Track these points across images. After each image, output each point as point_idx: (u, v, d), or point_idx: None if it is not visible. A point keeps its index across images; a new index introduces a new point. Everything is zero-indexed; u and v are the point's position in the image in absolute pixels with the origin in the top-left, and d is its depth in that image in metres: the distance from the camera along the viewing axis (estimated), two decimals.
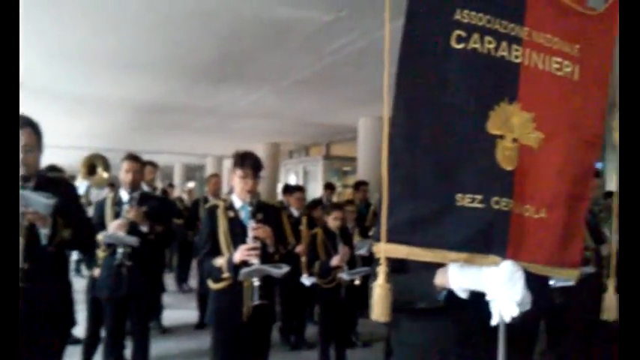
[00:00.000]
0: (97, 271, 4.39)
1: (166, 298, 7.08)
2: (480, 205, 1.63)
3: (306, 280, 5.01)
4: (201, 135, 13.52)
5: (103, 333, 4.51)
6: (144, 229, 4.13)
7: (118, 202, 4.20)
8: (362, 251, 5.40)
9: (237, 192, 3.32)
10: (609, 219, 4.18)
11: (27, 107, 2.71)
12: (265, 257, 3.12)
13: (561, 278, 2.15)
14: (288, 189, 7.27)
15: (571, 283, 2.61)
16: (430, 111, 1.62)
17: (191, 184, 13.43)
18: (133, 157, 4.37)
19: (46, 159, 3.10)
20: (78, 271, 9.36)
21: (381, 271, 1.58)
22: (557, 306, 3.38)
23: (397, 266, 1.93)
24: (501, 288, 1.65)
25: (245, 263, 3.05)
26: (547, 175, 1.74)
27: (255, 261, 3.04)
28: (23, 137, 2.48)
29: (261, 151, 14.05)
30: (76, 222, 2.70)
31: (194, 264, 8.09)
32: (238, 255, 3.06)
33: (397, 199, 1.61)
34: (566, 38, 1.77)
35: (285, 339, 6.18)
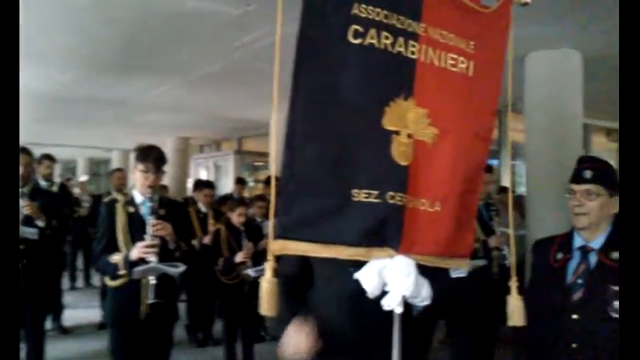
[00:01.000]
0: None
1: (69, 297, 6.74)
2: (376, 200, 1.65)
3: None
4: (106, 128, 12.91)
5: None
6: (40, 223, 3.98)
7: None
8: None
9: (138, 187, 3.20)
10: (501, 213, 4.41)
11: None
12: (165, 254, 3.03)
13: (457, 270, 2.25)
14: (198, 185, 7.13)
15: (464, 274, 2.74)
16: (327, 106, 1.60)
17: (84, 178, 12.76)
18: (22, 150, 4.13)
19: None
20: None
21: (269, 267, 1.58)
22: (454, 297, 3.51)
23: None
24: (395, 280, 1.70)
25: (143, 260, 2.95)
26: (441, 169, 1.78)
27: (152, 258, 2.94)
28: None
29: (170, 145, 13.65)
30: None
31: None
32: (135, 252, 2.94)
33: (294, 195, 1.59)
34: (461, 35, 1.81)
35: (192, 336, 6.06)
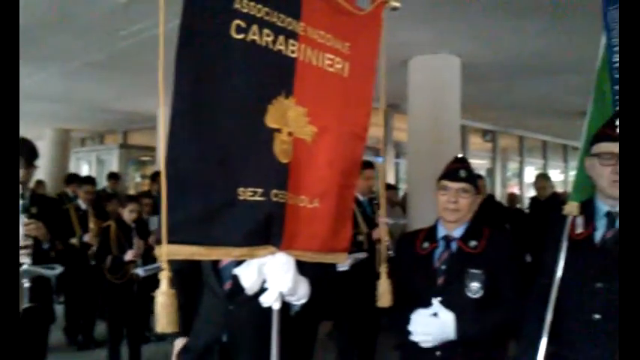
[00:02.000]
0: None
1: None
2: (261, 199, 1.65)
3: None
4: None
5: None
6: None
7: None
8: None
9: None
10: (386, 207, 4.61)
11: None
12: (39, 255, 2.86)
13: (339, 264, 2.32)
14: (74, 179, 6.73)
15: (346, 267, 2.83)
16: (210, 103, 1.57)
17: None
18: None
19: None
20: None
21: (164, 276, 1.42)
22: (339, 289, 3.61)
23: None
24: (274, 277, 1.74)
25: None
26: (319, 166, 1.83)
27: (26, 260, 2.76)
28: None
29: (48, 137, 12.81)
30: None
31: None
32: None
33: (178, 196, 1.51)
34: (338, 36, 1.85)
35: (72, 339, 5.76)
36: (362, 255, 4.08)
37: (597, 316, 1.87)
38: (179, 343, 2.17)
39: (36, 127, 11.58)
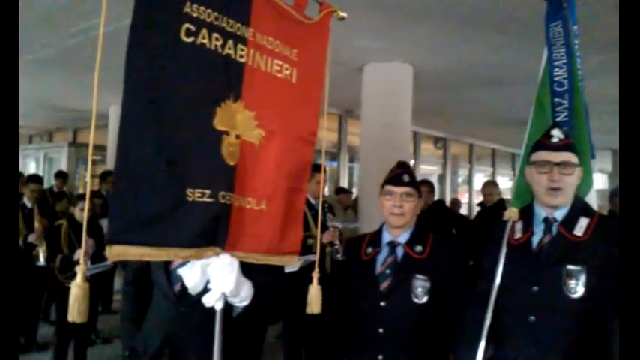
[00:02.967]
0: None
1: None
2: (209, 200, 1.67)
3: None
4: None
5: None
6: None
7: None
8: None
9: None
10: (337, 212, 4.67)
11: None
12: None
13: (288, 266, 2.34)
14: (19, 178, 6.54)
15: (295, 268, 2.85)
16: (159, 104, 1.58)
17: None
18: None
19: None
20: None
21: (80, 270, 1.48)
22: (288, 291, 3.63)
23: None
24: (217, 277, 1.75)
25: None
26: (267, 169, 1.85)
27: None
28: None
29: None
30: None
31: None
32: None
33: (128, 196, 1.53)
34: (286, 42, 1.90)
35: None
36: (313, 257, 4.10)
37: (532, 318, 1.96)
38: None
39: None
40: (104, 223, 5.22)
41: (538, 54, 2.60)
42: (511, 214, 2.17)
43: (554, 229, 2.02)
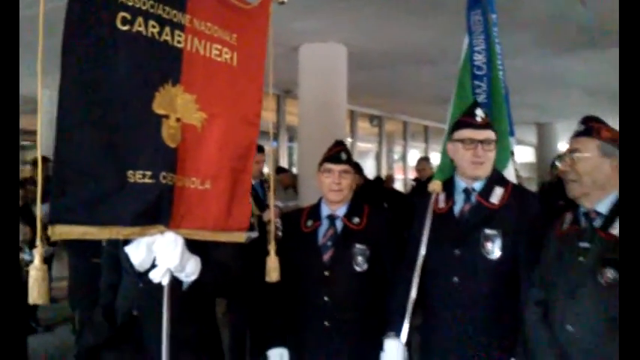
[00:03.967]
0: None
1: None
2: (150, 181, 1.73)
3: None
4: None
5: None
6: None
7: None
8: None
9: None
10: (278, 191, 4.78)
11: None
12: None
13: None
14: None
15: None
16: (97, 91, 1.63)
17: None
18: None
19: None
20: None
21: (38, 252, 1.53)
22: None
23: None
24: (162, 254, 1.82)
25: None
26: (210, 150, 1.93)
27: None
28: None
29: None
30: None
31: None
32: None
33: (69, 179, 1.59)
34: (225, 27, 1.96)
35: None
36: (254, 234, 4.21)
37: (456, 279, 2.16)
38: None
39: None
40: (45, 209, 5.12)
41: (464, 34, 2.77)
42: (435, 186, 2.36)
43: (473, 199, 2.22)
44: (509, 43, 6.34)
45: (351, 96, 6.82)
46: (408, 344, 2.25)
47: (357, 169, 6.44)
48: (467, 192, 2.24)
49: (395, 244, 2.48)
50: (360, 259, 2.37)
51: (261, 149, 4.94)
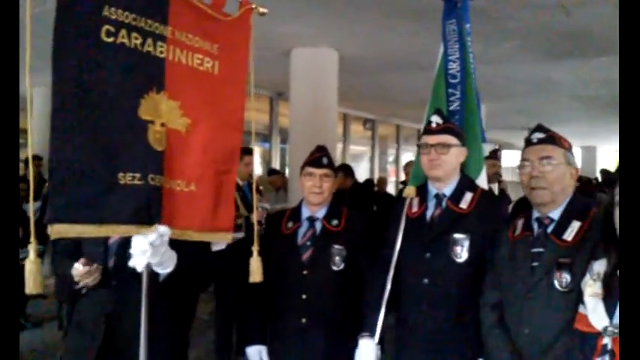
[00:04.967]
0: None
1: None
2: (139, 182, 1.84)
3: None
4: None
5: None
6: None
7: None
8: None
9: None
10: (267, 192, 4.87)
11: None
12: None
13: (217, 243, 2.51)
14: None
15: (223, 247, 3.04)
16: (86, 98, 1.73)
17: None
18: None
19: None
20: None
21: (32, 248, 1.65)
22: (220, 267, 3.80)
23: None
24: (150, 248, 1.87)
25: None
26: (195, 154, 2.04)
27: None
28: None
29: None
30: None
31: None
32: None
33: (63, 180, 1.70)
34: (206, 38, 2.08)
35: None
36: (240, 235, 4.30)
37: (426, 280, 2.27)
38: None
39: None
40: (37, 206, 5.21)
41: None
42: (409, 191, 2.48)
43: (444, 204, 2.33)
44: (497, 50, 6.52)
45: (343, 99, 6.93)
46: (381, 341, 2.36)
47: (348, 171, 6.56)
48: (438, 197, 2.36)
49: (373, 246, 2.57)
50: (337, 258, 2.48)
51: (250, 151, 5.03)
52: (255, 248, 2.26)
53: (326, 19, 5.49)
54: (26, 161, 7.34)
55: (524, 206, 2.17)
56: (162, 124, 1.93)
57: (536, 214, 2.01)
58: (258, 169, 9.14)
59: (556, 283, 1.83)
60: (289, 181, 6.63)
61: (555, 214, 1.94)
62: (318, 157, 2.60)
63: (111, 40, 1.77)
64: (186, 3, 2.01)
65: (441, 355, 2.23)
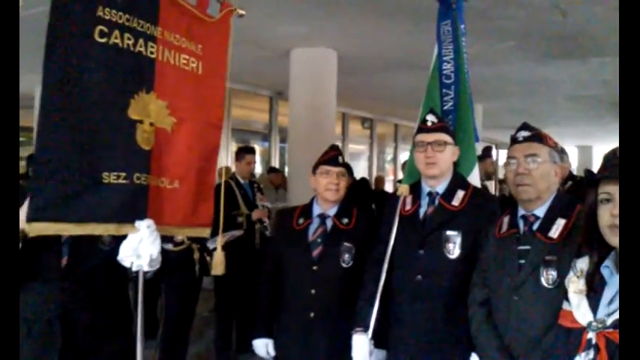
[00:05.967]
0: None
1: None
2: (124, 181, 1.86)
3: None
4: None
5: None
6: None
7: None
8: None
9: None
10: (268, 190, 4.93)
11: None
12: None
13: (210, 242, 2.56)
14: None
15: (215, 245, 3.11)
16: (75, 97, 1.75)
17: None
18: None
19: None
20: None
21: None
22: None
23: None
24: (142, 245, 1.90)
25: None
26: (179, 152, 2.08)
27: None
28: None
29: None
30: None
31: None
32: None
33: (45, 178, 1.70)
34: (191, 39, 2.12)
35: None
36: (238, 232, 4.37)
37: (419, 277, 2.31)
38: None
39: None
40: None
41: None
42: (402, 189, 2.52)
43: (437, 201, 2.37)
44: (493, 50, 6.55)
45: (342, 98, 6.96)
46: (375, 336, 2.39)
47: (348, 170, 6.61)
48: (431, 195, 2.40)
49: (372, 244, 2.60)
50: (346, 256, 2.54)
51: (252, 150, 5.09)
52: (219, 242, 2.30)
53: (325, 19, 5.53)
54: (29, 158, 7.43)
55: (508, 205, 2.21)
56: (151, 124, 1.96)
57: (521, 211, 2.04)
58: (257, 168, 9.20)
59: (543, 280, 1.86)
60: (289, 180, 6.68)
61: (540, 211, 1.98)
62: (334, 155, 2.66)
63: (104, 40, 1.80)
64: (174, 4, 2.05)
65: (434, 351, 2.26)
